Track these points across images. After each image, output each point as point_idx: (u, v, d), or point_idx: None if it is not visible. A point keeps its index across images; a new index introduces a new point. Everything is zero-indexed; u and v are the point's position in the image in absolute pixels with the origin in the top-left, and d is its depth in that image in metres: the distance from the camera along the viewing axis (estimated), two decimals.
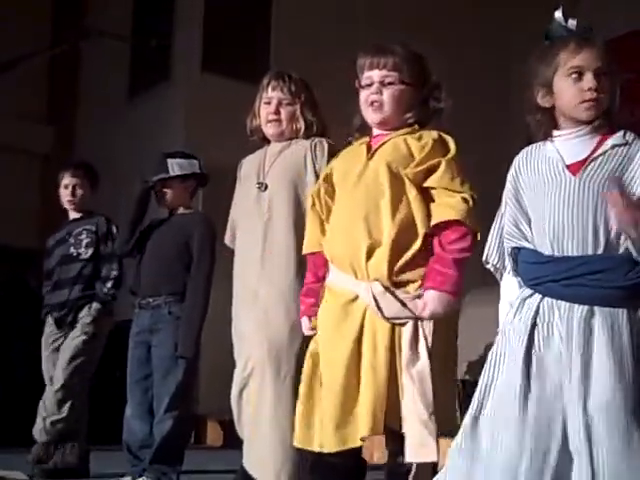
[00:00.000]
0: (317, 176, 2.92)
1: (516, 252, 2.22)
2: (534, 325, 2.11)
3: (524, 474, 2.00)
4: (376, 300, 2.32)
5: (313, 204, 2.61)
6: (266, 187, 3.04)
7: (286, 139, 3.11)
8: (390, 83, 2.48)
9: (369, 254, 2.36)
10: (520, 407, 2.05)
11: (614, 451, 1.96)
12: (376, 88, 2.48)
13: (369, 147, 2.50)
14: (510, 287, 2.28)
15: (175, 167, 3.85)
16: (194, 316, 3.67)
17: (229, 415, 3.13)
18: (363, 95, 2.51)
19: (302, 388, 2.46)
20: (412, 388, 2.27)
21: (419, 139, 2.46)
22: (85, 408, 4.25)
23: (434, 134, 2.46)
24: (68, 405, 4.12)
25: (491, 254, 2.30)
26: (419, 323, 2.33)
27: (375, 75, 2.49)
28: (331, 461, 2.38)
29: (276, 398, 2.89)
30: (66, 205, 4.41)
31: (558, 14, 2.21)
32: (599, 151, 2.13)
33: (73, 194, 4.37)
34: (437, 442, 2.31)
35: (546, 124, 2.21)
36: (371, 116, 2.51)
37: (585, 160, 2.14)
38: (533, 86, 2.21)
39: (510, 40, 7.63)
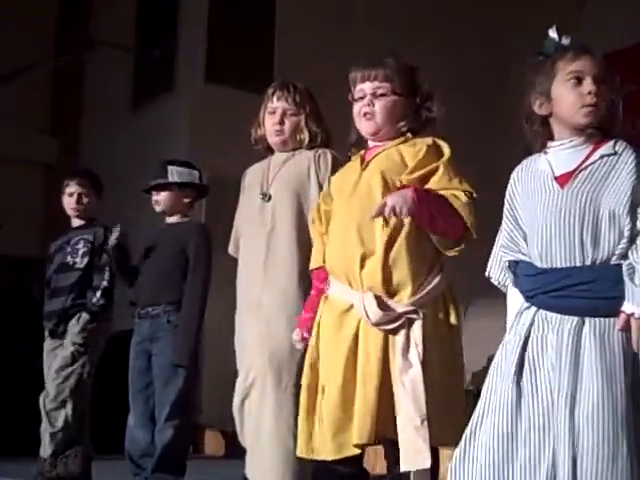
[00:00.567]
0: (320, 187, 2.94)
1: (514, 265, 2.24)
2: (528, 337, 2.12)
3: None
4: (365, 307, 2.35)
5: (314, 221, 2.66)
6: (269, 197, 3.05)
7: (290, 149, 3.11)
8: (382, 94, 2.52)
9: (362, 263, 2.39)
10: (512, 422, 2.06)
11: (601, 460, 1.96)
12: (368, 100, 2.52)
13: (363, 159, 2.55)
14: (516, 300, 2.30)
15: (174, 174, 3.87)
16: (190, 324, 3.68)
17: (231, 425, 3.13)
18: (356, 108, 2.56)
19: (302, 398, 2.48)
20: (404, 396, 2.28)
21: (413, 146, 2.49)
22: (86, 417, 4.24)
23: (428, 140, 2.49)
24: (62, 416, 4.11)
25: (494, 268, 2.32)
26: (410, 331, 2.34)
27: (367, 87, 2.53)
28: (333, 469, 2.39)
29: (277, 408, 2.89)
30: (70, 213, 4.42)
31: (552, 32, 2.23)
32: (588, 162, 2.14)
33: (78, 202, 4.37)
34: (437, 449, 2.32)
35: (543, 134, 2.23)
36: (364, 127, 2.55)
37: (574, 171, 2.15)
38: (530, 96, 2.22)
39: (510, 40, 7.64)
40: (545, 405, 2.05)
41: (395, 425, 2.30)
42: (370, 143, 2.59)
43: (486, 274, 2.34)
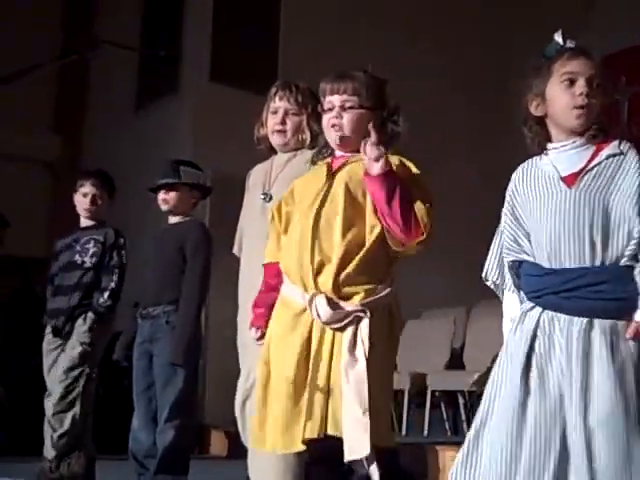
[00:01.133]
0: None
1: (517, 266, 2.23)
2: (534, 337, 2.11)
3: None
4: (317, 307, 2.42)
5: (273, 218, 2.71)
6: (271, 198, 3.05)
7: (292, 149, 3.11)
8: (350, 107, 2.58)
9: (318, 270, 2.46)
10: (518, 421, 2.05)
11: (614, 465, 1.95)
12: (336, 112, 2.59)
13: (329, 168, 2.61)
14: (511, 304, 2.30)
15: (186, 175, 3.88)
16: (185, 322, 3.69)
17: (234, 425, 3.12)
18: (325, 119, 2.64)
19: (257, 393, 2.55)
20: (348, 389, 2.35)
21: None
22: (89, 418, 4.25)
23: (394, 159, 2.53)
24: (70, 417, 4.11)
25: (491, 270, 2.31)
26: (358, 328, 2.41)
27: (335, 100, 2.60)
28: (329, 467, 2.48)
29: None
30: (82, 213, 4.41)
31: (557, 36, 2.23)
32: (594, 162, 2.14)
33: (92, 203, 4.37)
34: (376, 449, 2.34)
35: (540, 135, 2.23)
36: (332, 138, 2.62)
37: (580, 171, 2.14)
38: (527, 97, 2.23)
39: (511, 40, 7.64)
40: (553, 406, 2.04)
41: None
42: (337, 153, 2.66)
43: (482, 275, 2.33)
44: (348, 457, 2.33)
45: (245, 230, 3.19)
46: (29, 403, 5.00)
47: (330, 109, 2.61)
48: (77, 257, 4.31)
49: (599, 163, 2.13)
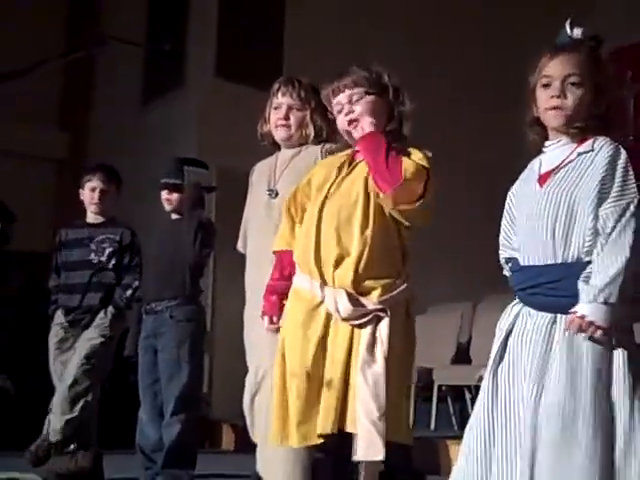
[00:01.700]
0: None
1: (510, 262, 2.28)
2: (510, 333, 2.16)
3: None
4: (336, 302, 2.42)
5: (289, 208, 2.71)
6: (276, 194, 3.05)
7: (296, 145, 3.11)
8: (358, 99, 2.59)
9: (337, 263, 2.46)
10: (488, 417, 2.11)
11: (557, 454, 1.97)
12: (348, 109, 2.60)
13: (351, 161, 2.61)
14: None
15: (190, 176, 3.89)
16: None
17: (242, 419, 3.13)
18: (339, 122, 2.64)
19: (275, 389, 2.55)
20: (365, 389, 2.35)
21: None
22: (94, 412, 4.25)
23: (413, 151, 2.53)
24: (81, 404, 4.12)
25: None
26: (377, 328, 2.41)
27: (342, 98, 2.61)
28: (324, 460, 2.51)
29: None
30: (90, 208, 4.42)
31: (567, 23, 2.24)
32: (567, 160, 2.15)
33: (101, 198, 4.38)
34: (391, 444, 2.35)
35: (539, 133, 2.25)
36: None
37: (553, 170, 2.16)
38: (527, 96, 2.25)
39: (512, 40, 7.63)
40: (520, 398, 2.08)
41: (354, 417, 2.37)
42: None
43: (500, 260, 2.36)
44: (359, 457, 2.34)
45: (250, 226, 3.19)
46: (37, 399, 5.00)
47: (340, 111, 2.62)
48: (93, 256, 4.33)
49: (571, 161, 2.15)
